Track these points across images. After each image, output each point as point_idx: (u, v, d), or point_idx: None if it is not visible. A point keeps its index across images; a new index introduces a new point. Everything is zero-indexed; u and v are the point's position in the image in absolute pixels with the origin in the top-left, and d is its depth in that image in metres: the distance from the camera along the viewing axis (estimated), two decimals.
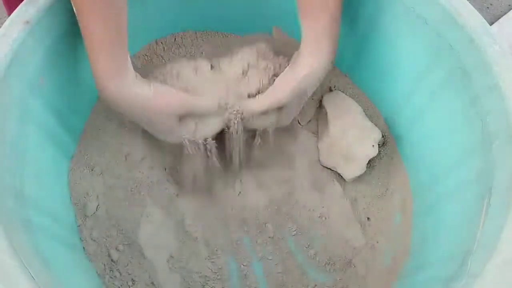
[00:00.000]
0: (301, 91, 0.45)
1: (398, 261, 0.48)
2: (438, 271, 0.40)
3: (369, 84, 0.55)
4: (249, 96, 0.46)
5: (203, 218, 0.52)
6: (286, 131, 0.54)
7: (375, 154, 0.51)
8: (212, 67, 0.48)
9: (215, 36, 0.58)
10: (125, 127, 0.52)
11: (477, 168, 0.39)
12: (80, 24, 0.38)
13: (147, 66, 0.54)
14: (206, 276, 0.49)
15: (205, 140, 0.46)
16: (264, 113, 0.46)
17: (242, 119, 0.46)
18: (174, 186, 0.52)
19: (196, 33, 0.58)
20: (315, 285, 0.49)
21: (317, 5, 0.43)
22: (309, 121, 0.56)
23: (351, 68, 0.56)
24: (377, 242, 0.50)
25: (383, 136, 0.53)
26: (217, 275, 0.49)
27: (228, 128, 0.47)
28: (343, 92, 0.56)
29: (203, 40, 0.58)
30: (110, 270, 0.46)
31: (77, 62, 0.46)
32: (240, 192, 0.54)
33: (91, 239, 0.47)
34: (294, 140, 0.56)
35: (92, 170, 0.50)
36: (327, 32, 0.44)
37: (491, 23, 0.89)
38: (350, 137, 0.52)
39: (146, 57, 0.55)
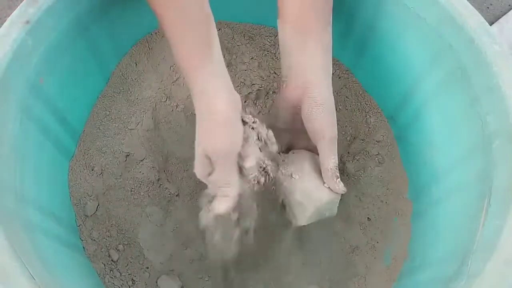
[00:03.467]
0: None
1: (398, 261, 0.48)
2: (438, 271, 0.40)
3: (369, 84, 0.55)
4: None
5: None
6: None
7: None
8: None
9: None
10: (125, 127, 0.52)
11: (477, 168, 0.39)
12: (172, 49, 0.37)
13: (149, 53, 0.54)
14: (206, 276, 0.49)
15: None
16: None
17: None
18: (174, 186, 0.52)
19: None
20: (316, 285, 0.49)
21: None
22: None
23: (351, 68, 0.56)
24: (377, 242, 0.50)
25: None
26: (217, 275, 0.49)
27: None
28: (346, 88, 0.56)
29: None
30: (110, 270, 0.46)
31: (77, 62, 0.46)
32: None
33: (91, 239, 0.47)
34: None
35: (92, 170, 0.50)
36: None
37: (491, 23, 0.89)
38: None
39: (148, 43, 0.55)
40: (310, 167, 0.43)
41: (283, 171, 0.43)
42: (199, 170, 0.40)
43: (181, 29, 0.37)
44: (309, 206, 0.42)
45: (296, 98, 0.41)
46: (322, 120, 0.40)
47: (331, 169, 0.41)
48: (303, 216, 0.43)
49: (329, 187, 0.42)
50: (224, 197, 0.39)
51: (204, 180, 0.41)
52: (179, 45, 0.37)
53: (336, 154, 0.41)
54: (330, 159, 0.41)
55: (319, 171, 0.43)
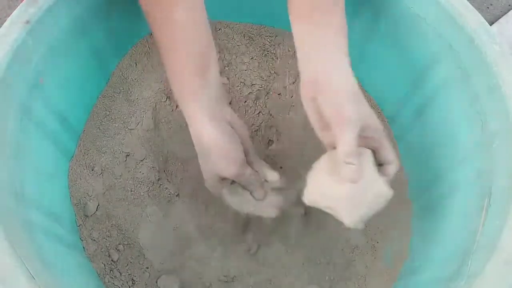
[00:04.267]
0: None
1: (398, 261, 0.48)
2: (438, 271, 0.40)
3: (369, 84, 0.55)
4: None
5: (203, 218, 0.52)
6: None
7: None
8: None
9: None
10: (125, 127, 0.52)
11: (477, 168, 0.39)
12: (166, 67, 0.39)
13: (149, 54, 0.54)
14: (206, 276, 0.49)
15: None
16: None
17: None
18: (174, 186, 0.52)
19: None
20: (316, 285, 0.49)
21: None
22: None
23: (352, 68, 0.56)
24: (377, 242, 0.50)
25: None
26: (217, 275, 0.49)
27: None
28: None
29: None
30: (110, 270, 0.46)
31: (77, 62, 0.46)
32: None
33: (91, 239, 0.47)
34: None
35: (92, 170, 0.50)
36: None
37: (491, 23, 0.89)
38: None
39: (148, 43, 0.55)
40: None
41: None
42: (211, 188, 0.44)
43: (177, 58, 0.38)
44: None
45: (313, 91, 0.38)
46: (334, 105, 0.37)
47: (342, 152, 0.36)
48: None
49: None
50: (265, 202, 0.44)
51: (216, 194, 0.44)
52: (172, 72, 0.39)
53: (353, 138, 0.36)
54: (342, 141, 0.36)
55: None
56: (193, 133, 0.40)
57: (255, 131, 0.55)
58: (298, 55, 0.41)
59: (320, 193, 0.39)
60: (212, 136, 0.39)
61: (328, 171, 0.38)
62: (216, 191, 0.44)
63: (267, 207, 0.44)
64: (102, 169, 0.50)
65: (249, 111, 0.56)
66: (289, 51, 0.57)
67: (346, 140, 0.36)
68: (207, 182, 0.43)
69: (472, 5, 0.41)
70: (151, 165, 0.52)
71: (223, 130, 0.40)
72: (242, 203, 0.44)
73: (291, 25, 0.40)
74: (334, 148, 0.37)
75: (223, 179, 0.42)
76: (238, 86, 0.56)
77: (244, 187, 0.43)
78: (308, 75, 0.39)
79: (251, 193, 0.44)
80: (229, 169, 0.40)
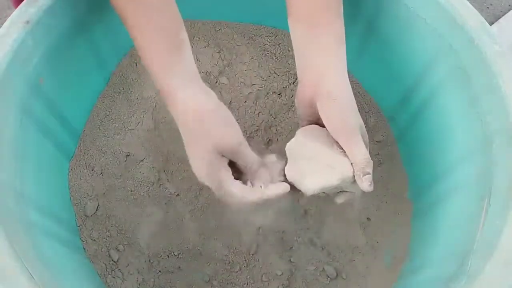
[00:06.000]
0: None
1: (398, 261, 0.48)
2: (438, 271, 0.40)
3: (369, 84, 0.55)
4: None
5: (203, 218, 0.52)
6: None
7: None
8: None
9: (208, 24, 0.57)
10: (125, 127, 0.52)
11: (477, 168, 0.39)
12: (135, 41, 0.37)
13: None
14: (206, 276, 0.49)
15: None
16: None
17: None
18: (174, 186, 0.52)
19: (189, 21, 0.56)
20: (315, 285, 0.49)
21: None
22: None
23: (351, 68, 0.56)
24: (377, 242, 0.50)
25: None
26: (217, 275, 0.49)
27: None
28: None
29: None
30: (112, 270, 0.46)
31: (77, 62, 0.46)
32: None
33: (91, 239, 0.47)
34: None
35: (92, 170, 0.50)
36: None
37: (491, 23, 0.89)
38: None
39: None
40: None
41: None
42: (207, 171, 0.36)
43: (150, 37, 0.36)
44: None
45: (310, 96, 0.39)
46: (338, 115, 0.37)
47: (359, 163, 0.37)
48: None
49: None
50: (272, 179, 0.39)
51: (212, 181, 0.37)
52: (147, 53, 0.37)
53: (363, 145, 0.37)
54: (355, 152, 0.37)
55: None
56: (177, 108, 0.36)
57: (255, 131, 0.55)
58: (297, 58, 0.41)
59: (296, 170, 0.40)
60: (204, 98, 0.36)
61: (301, 149, 0.40)
62: (214, 174, 0.36)
63: (276, 185, 0.39)
64: (102, 169, 0.50)
65: (249, 111, 0.55)
66: (289, 51, 0.57)
67: (361, 151, 0.37)
68: (200, 165, 0.37)
69: (472, 5, 0.41)
70: (151, 165, 0.52)
71: (214, 96, 0.37)
72: (245, 191, 0.37)
73: (290, 28, 0.41)
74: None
75: (221, 157, 0.36)
76: (238, 86, 0.56)
77: (241, 171, 0.38)
78: (308, 78, 0.39)
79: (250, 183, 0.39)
80: (233, 135, 0.36)
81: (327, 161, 0.39)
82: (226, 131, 0.36)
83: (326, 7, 0.39)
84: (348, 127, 0.37)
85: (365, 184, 0.36)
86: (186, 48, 0.37)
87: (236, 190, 0.37)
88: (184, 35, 0.38)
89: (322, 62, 0.38)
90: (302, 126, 0.42)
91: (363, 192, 0.38)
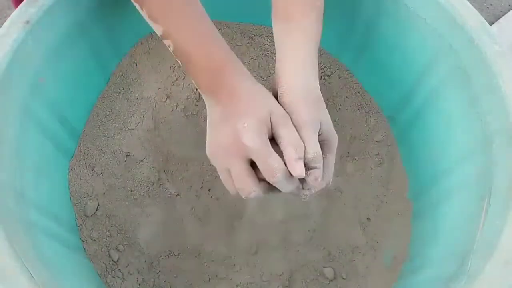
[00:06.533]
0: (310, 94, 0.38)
1: (398, 261, 0.48)
2: (438, 271, 0.40)
3: (369, 84, 0.55)
4: None
5: (203, 218, 0.52)
6: None
7: None
8: None
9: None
10: (125, 127, 0.52)
11: (477, 168, 0.39)
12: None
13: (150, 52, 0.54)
14: (206, 276, 0.49)
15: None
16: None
17: None
18: (174, 186, 0.52)
19: None
20: (315, 285, 0.49)
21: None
22: None
23: (351, 68, 0.56)
24: (377, 242, 0.50)
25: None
26: (217, 275, 0.49)
27: None
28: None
29: None
30: (112, 270, 0.46)
31: (77, 62, 0.46)
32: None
33: (91, 239, 0.47)
34: None
35: (92, 170, 0.50)
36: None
37: (491, 23, 0.89)
38: None
39: (148, 43, 0.55)
40: None
41: None
42: (258, 138, 0.34)
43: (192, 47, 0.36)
44: None
45: (274, 88, 0.39)
46: (287, 106, 0.37)
47: (291, 153, 0.35)
48: None
49: None
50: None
51: (264, 153, 0.35)
52: (196, 60, 0.36)
53: (311, 139, 0.35)
54: (306, 148, 0.35)
55: None
56: (234, 85, 0.36)
57: None
58: (276, 55, 0.41)
59: None
60: (245, 85, 0.36)
61: None
62: (262, 140, 0.34)
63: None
64: (102, 169, 0.50)
65: None
66: None
67: (310, 145, 0.35)
68: (256, 127, 0.34)
69: (472, 5, 0.41)
70: (151, 165, 0.52)
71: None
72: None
73: (272, 24, 0.42)
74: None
75: (265, 127, 0.35)
76: None
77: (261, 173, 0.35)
78: (276, 71, 0.40)
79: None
80: (259, 111, 0.35)
81: None
82: (257, 106, 0.36)
83: (300, 6, 0.40)
84: (299, 119, 0.36)
85: (312, 174, 0.35)
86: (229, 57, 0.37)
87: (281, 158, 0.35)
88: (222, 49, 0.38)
89: (286, 56, 0.39)
90: None
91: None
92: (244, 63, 0.56)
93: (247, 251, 0.50)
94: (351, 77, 0.56)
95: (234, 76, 0.37)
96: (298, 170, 0.34)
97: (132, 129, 0.53)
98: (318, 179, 0.35)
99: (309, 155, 0.35)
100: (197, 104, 0.54)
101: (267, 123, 0.35)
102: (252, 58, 0.57)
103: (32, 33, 0.38)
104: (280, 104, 0.37)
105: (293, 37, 0.40)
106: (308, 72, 0.39)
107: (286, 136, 0.35)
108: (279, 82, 0.38)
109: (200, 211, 0.52)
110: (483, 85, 0.39)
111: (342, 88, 0.56)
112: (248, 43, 0.57)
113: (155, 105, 0.54)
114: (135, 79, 0.54)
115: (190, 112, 0.54)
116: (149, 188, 0.51)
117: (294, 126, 0.36)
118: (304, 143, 0.35)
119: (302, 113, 0.36)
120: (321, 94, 0.38)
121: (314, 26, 0.40)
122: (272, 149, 0.35)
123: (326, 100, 0.53)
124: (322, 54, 0.56)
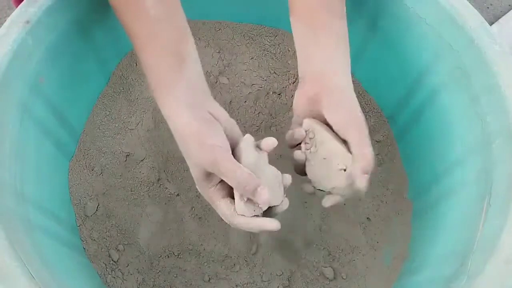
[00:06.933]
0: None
1: (398, 261, 0.48)
2: (438, 271, 0.40)
3: (369, 84, 0.55)
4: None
5: (203, 218, 0.52)
6: None
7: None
8: None
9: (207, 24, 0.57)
10: (125, 127, 0.52)
11: (477, 168, 0.39)
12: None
13: None
14: (206, 276, 0.49)
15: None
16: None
17: None
18: (174, 186, 0.52)
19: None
20: (315, 285, 0.49)
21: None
22: None
23: (351, 68, 0.56)
24: (377, 242, 0.50)
25: None
26: (217, 275, 0.49)
27: None
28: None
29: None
30: (112, 270, 0.46)
31: (77, 62, 0.46)
32: None
33: (91, 239, 0.47)
34: None
35: (92, 170, 0.50)
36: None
37: (491, 23, 0.89)
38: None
39: None
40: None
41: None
42: (198, 188, 0.38)
43: (151, 53, 0.35)
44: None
45: (314, 94, 0.39)
46: (345, 110, 0.38)
47: (366, 160, 0.36)
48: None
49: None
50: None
51: (205, 198, 0.38)
52: (148, 67, 0.36)
53: (369, 144, 0.37)
54: (366, 150, 0.36)
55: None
56: (172, 128, 0.36)
57: (255, 131, 0.55)
58: (299, 56, 0.41)
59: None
60: (186, 121, 0.35)
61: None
62: (204, 192, 0.37)
63: (265, 220, 0.36)
64: (102, 169, 0.50)
65: (249, 111, 0.55)
66: (289, 51, 0.57)
67: (370, 149, 0.37)
68: (196, 182, 0.37)
69: (472, 5, 0.41)
70: (151, 165, 0.52)
71: (199, 116, 0.35)
72: (229, 215, 0.36)
73: (292, 27, 0.41)
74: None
75: (208, 175, 0.36)
76: (238, 86, 0.56)
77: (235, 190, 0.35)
78: (310, 74, 0.39)
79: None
80: (204, 156, 0.34)
81: (337, 160, 0.38)
82: (202, 149, 0.35)
83: (326, 7, 0.39)
84: (359, 121, 0.37)
85: (364, 182, 0.36)
86: (188, 63, 0.36)
87: (221, 211, 0.37)
88: (190, 48, 0.36)
89: (327, 58, 0.39)
90: (293, 127, 0.41)
91: (351, 195, 0.38)
92: (244, 63, 0.56)
93: (247, 251, 0.50)
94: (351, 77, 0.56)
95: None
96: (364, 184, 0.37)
97: (132, 129, 0.53)
98: (367, 184, 0.37)
99: (371, 161, 0.37)
100: None
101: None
102: (252, 58, 0.57)
103: (32, 33, 0.38)
104: (330, 105, 0.38)
105: (327, 42, 0.39)
106: (349, 72, 0.40)
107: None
108: (325, 84, 0.38)
109: (200, 211, 0.52)
110: (483, 85, 0.39)
111: None
112: (248, 43, 0.57)
113: (155, 105, 0.54)
114: (135, 79, 0.54)
115: None
116: (149, 188, 0.51)
117: (349, 128, 0.37)
118: (365, 148, 0.37)
119: (361, 116, 0.38)
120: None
121: (344, 28, 0.40)
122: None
123: None
124: None
